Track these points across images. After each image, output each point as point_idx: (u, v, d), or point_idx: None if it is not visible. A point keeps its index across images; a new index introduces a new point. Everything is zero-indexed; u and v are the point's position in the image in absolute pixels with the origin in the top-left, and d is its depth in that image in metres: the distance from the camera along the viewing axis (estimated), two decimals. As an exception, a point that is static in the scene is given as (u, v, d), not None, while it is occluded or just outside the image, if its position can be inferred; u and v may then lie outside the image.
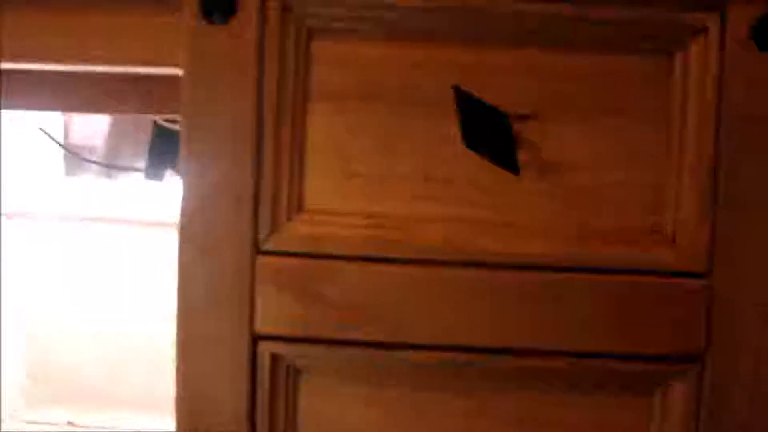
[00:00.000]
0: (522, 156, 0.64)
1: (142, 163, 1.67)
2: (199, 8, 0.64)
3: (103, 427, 1.85)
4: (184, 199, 0.65)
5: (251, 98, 0.64)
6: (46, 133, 1.73)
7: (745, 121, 0.64)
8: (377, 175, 0.65)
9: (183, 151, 0.65)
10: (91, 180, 1.90)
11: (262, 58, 0.64)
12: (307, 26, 0.64)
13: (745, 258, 0.64)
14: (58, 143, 1.80)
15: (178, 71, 0.67)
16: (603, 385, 0.65)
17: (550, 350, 0.64)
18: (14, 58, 0.79)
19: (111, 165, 1.85)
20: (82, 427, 1.86)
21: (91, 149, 1.88)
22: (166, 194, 1.75)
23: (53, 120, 1.82)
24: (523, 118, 0.64)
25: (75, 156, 1.84)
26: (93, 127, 1.85)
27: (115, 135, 1.84)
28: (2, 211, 1.85)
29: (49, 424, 1.87)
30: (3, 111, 1.43)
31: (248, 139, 0.64)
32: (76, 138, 1.88)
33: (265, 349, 0.65)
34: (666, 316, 0.64)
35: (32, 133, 1.77)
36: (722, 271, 0.64)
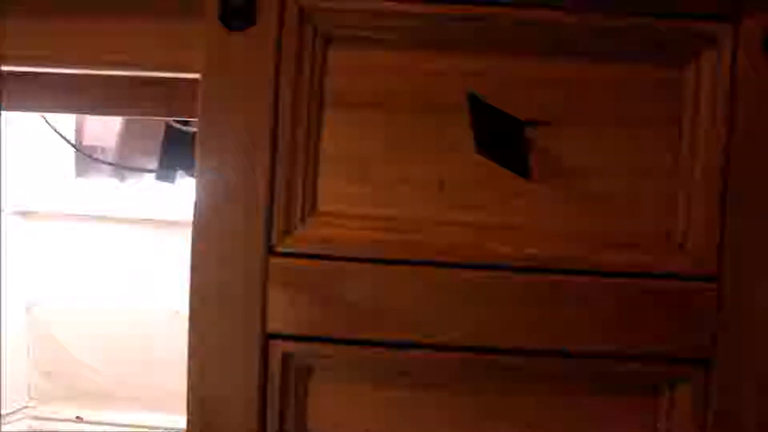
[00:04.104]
0: (533, 162, 0.65)
1: (153, 165, 1.68)
2: (219, 14, 0.65)
3: (111, 424, 1.86)
4: (198, 199, 0.66)
5: (268, 103, 0.65)
6: (58, 133, 1.74)
7: (755, 130, 0.64)
8: (390, 179, 0.66)
9: (198, 152, 0.66)
10: (102, 180, 1.91)
11: (280, 64, 0.65)
12: (324, 34, 0.65)
13: (753, 262, 0.64)
14: (71, 143, 1.81)
15: (192, 75, 0.68)
16: (611, 386, 0.66)
17: (559, 351, 0.65)
18: (28, 62, 0.80)
19: (122, 166, 1.85)
20: (90, 422, 1.86)
21: (103, 150, 1.88)
22: (177, 195, 1.76)
23: (66, 120, 1.82)
24: (535, 124, 0.65)
25: (87, 156, 1.84)
26: (105, 128, 1.86)
27: (127, 136, 1.85)
28: (14, 210, 1.86)
29: (57, 420, 1.87)
30: (15, 112, 1.44)
31: (263, 143, 0.65)
32: (89, 138, 1.89)
33: (277, 348, 0.66)
34: (675, 318, 0.65)
35: (45, 133, 1.78)
36: (731, 275, 0.64)
